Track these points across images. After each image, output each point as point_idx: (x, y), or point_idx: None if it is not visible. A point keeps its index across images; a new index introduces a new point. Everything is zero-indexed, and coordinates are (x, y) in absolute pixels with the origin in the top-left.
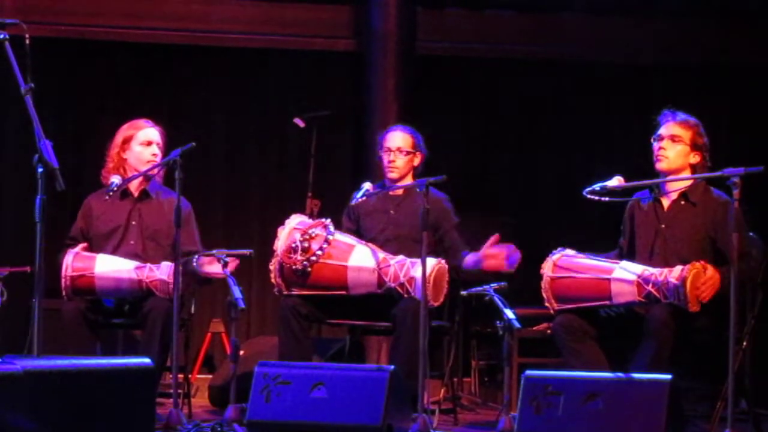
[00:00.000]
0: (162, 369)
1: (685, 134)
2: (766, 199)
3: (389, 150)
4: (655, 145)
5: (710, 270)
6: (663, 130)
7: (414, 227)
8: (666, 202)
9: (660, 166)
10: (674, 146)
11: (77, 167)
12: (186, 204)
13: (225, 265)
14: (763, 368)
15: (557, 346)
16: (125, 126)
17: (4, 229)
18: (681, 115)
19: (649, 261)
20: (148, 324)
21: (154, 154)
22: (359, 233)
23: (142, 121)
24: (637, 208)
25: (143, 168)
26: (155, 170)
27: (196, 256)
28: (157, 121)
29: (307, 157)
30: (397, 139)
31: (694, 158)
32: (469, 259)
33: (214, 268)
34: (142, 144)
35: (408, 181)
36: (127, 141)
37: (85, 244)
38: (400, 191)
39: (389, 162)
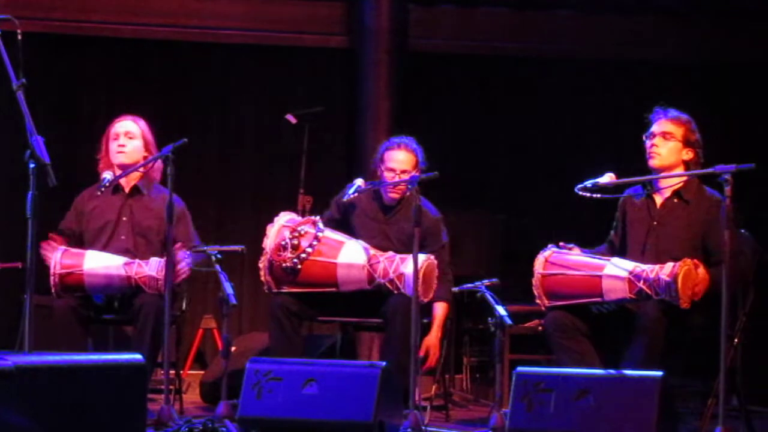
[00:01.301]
0: (153, 365)
1: (677, 131)
2: (759, 197)
3: (392, 171)
4: (648, 142)
5: (702, 270)
6: (655, 128)
7: (402, 243)
8: (659, 200)
9: (653, 163)
10: (666, 143)
11: (69, 163)
12: (179, 201)
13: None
14: (754, 365)
15: (548, 343)
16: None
17: None
18: (673, 112)
19: (640, 258)
20: (139, 320)
21: (120, 145)
22: (344, 225)
23: (118, 118)
24: (630, 205)
25: (117, 158)
26: (149, 165)
27: (189, 255)
28: (150, 117)
29: (299, 154)
30: (402, 161)
31: (687, 155)
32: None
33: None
34: (112, 139)
35: (406, 194)
36: (107, 139)
37: (65, 247)
38: (394, 202)
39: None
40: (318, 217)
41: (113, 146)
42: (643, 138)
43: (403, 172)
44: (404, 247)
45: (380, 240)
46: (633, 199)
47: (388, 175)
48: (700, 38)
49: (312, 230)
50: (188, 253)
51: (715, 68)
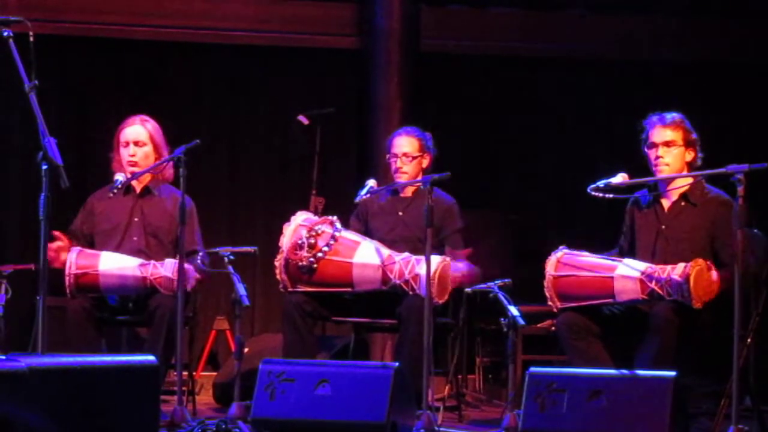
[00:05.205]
0: (166, 366)
1: (677, 136)
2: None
3: (396, 156)
4: (651, 153)
5: (714, 271)
6: (655, 137)
7: (422, 229)
8: (666, 203)
9: (662, 175)
10: (670, 151)
11: (81, 165)
12: (189, 201)
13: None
14: (767, 365)
15: (560, 344)
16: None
17: (9, 227)
18: (668, 117)
19: (650, 262)
20: (154, 321)
21: (131, 155)
22: (367, 234)
23: (128, 120)
24: (637, 209)
25: (129, 169)
26: (160, 167)
27: (200, 254)
28: (161, 119)
29: (311, 155)
30: (403, 144)
31: (689, 155)
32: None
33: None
34: (122, 146)
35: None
36: (117, 142)
37: (80, 248)
38: (409, 193)
39: (397, 168)
40: (335, 217)
41: (124, 155)
42: (643, 148)
43: (404, 155)
44: (424, 233)
45: (401, 230)
46: (639, 204)
47: (392, 163)
48: (712, 39)
49: (329, 230)
50: (191, 266)
51: (717, 68)
